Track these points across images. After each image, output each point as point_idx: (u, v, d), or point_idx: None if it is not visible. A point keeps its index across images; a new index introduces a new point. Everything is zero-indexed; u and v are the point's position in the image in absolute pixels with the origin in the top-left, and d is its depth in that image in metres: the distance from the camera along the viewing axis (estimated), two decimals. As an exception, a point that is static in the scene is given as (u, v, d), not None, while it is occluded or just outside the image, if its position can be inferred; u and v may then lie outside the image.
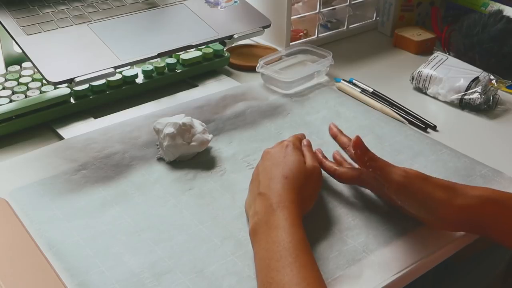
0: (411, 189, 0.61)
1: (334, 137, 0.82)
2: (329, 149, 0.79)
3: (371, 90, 0.95)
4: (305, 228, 0.59)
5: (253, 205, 0.64)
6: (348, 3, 1.13)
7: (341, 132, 0.82)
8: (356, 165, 0.74)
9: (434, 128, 0.87)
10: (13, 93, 0.83)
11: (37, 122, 0.83)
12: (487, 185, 0.73)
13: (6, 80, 0.86)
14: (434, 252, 0.64)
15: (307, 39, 1.10)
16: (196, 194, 0.71)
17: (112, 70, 0.78)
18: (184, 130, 0.75)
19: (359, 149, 0.63)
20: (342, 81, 0.97)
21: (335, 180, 0.73)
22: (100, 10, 0.87)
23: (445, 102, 0.94)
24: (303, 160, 0.67)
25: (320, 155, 0.75)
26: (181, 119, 0.76)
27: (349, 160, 0.77)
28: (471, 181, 0.74)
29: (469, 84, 0.91)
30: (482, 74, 0.93)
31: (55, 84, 0.77)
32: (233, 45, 1.04)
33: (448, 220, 0.62)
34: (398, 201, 0.63)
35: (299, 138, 0.73)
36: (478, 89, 0.90)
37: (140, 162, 0.76)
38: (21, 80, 0.86)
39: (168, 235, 0.64)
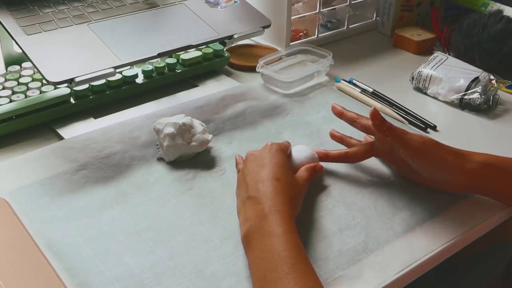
0: (426, 154, 0.67)
1: (340, 115, 0.76)
2: (329, 149, 0.79)
3: (371, 90, 0.95)
4: (305, 228, 0.59)
5: (243, 210, 0.62)
6: (348, 3, 1.13)
7: (344, 108, 0.77)
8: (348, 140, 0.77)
9: (434, 128, 0.87)
10: (13, 93, 0.83)
11: (37, 122, 0.83)
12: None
13: (6, 80, 0.86)
14: (434, 252, 0.64)
15: (307, 39, 1.10)
16: (196, 194, 0.71)
17: (112, 70, 0.78)
18: (184, 130, 0.75)
19: (377, 120, 0.68)
20: (342, 81, 0.97)
21: (334, 180, 0.73)
22: (100, 10, 0.87)
23: (445, 102, 0.94)
24: (289, 161, 0.69)
25: (322, 151, 0.74)
26: (181, 119, 0.76)
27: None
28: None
29: (469, 84, 0.91)
30: (482, 74, 0.93)
31: (55, 84, 0.77)
32: (233, 45, 1.04)
33: (456, 183, 0.68)
34: (413, 164, 0.69)
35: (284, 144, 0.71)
36: (478, 89, 0.90)
37: (140, 162, 0.76)
38: (21, 80, 0.86)
39: (168, 235, 0.64)
